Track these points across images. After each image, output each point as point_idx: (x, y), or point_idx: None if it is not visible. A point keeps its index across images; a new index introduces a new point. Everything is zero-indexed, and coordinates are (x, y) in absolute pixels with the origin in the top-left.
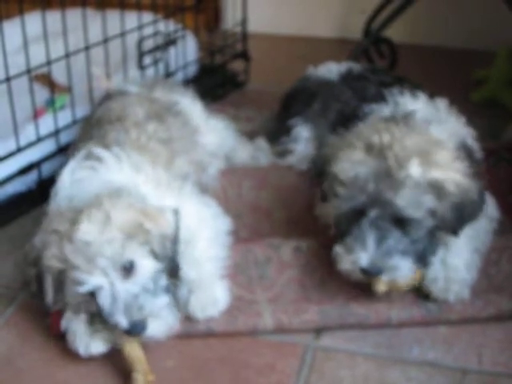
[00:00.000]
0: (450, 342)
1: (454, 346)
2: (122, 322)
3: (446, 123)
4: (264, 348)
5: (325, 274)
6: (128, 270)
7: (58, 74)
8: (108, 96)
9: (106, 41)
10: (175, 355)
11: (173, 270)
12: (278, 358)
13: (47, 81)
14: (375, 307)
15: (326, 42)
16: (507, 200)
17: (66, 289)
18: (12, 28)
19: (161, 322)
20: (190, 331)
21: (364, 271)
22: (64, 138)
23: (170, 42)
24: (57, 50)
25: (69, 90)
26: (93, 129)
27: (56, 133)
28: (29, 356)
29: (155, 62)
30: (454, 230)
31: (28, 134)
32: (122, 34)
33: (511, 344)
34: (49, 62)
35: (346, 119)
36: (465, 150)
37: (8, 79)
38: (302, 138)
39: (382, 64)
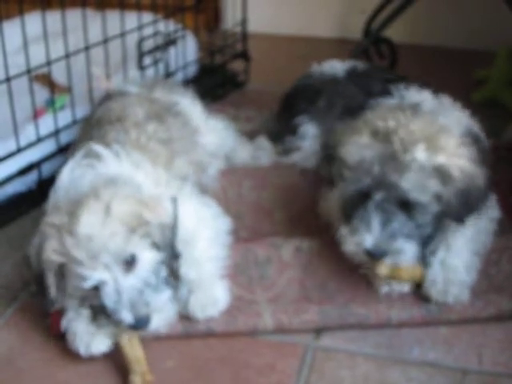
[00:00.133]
0: (451, 343)
1: (455, 347)
2: (128, 317)
3: (452, 114)
4: (264, 348)
5: (325, 274)
6: (129, 263)
7: (58, 74)
8: (108, 96)
9: (105, 41)
10: (175, 355)
11: (173, 258)
12: (278, 358)
13: (47, 81)
14: (375, 307)
15: (325, 41)
16: (507, 200)
17: (67, 283)
18: (12, 28)
19: (163, 316)
20: (190, 331)
21: (368, 253)
22: (64, 138)
23: (169, 42)
24: (57, 50)
25: (69, 90)
26: (93, 129)
27: (56, 133)
28: (29, 356)
29: (155, 62)
30: (460, 217)
31: (28, 134)
32: (122, 35)
33: (511, 344)
34: (49, 62)
35: (352, 114)
36: (471, 137)
37: (8, 79)
38: (309, 135)
39: (381, 64)
